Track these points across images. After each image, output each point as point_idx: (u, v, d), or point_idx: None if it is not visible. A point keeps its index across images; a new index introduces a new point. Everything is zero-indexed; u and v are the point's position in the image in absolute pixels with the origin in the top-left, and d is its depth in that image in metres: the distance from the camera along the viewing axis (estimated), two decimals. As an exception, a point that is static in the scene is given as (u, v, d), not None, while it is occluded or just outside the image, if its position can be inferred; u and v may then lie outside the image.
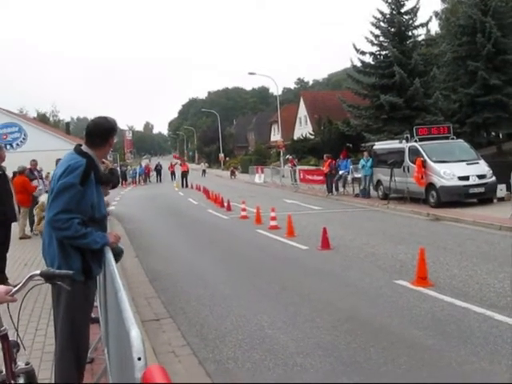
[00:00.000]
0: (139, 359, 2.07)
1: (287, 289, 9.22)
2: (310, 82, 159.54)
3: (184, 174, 45.52)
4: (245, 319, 7.58)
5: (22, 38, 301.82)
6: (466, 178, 19.10)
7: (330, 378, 5.54)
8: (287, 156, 45.86)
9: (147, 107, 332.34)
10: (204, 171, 62.54)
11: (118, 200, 31.63)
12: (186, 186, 44.07)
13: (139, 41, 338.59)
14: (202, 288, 9.60)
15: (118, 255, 5.74)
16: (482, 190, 19.16)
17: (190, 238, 16.42)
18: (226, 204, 23.51)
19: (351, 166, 26.96)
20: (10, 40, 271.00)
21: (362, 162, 24.74)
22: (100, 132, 4.49)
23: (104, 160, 5.03)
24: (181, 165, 49.81)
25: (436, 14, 46.97)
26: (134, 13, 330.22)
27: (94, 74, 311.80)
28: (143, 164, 71.84)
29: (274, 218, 16.70)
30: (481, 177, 19.32)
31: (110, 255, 4.11)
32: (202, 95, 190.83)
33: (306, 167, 38.27)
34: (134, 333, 2.17)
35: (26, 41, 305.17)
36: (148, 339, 6.71)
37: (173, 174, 56.28)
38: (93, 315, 5.80)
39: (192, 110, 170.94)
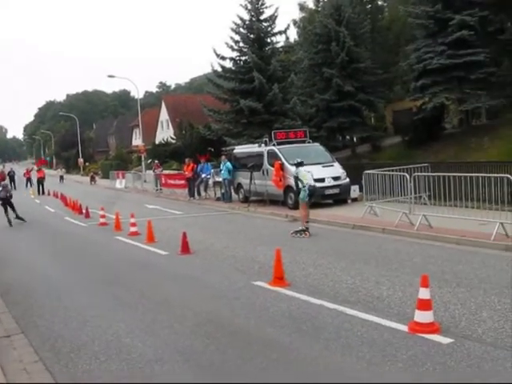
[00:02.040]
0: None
1: (146, 296, 9.05)
2: (173, 86, 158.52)
3: (40, 181, 43.74)
4: (101, 330, 7.33)
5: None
6: (322, 179, 19.79)
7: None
8: (149, 160, 45.17)
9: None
10: (62, 177, 59.94)
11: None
12: (43, 193, 42.24)
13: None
14: (56, 300, 9.17)
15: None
16: (337, 191, 20.05)
17: (45, 247, 15.66)
18: (84, 211, 22.73)
19: (212, 170, 27.08)
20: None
21: (221, 165, 24.94)
22: None
23: None
24: (37, 171, 47.62)
25: (294, 22, 48.41)
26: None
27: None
28: None
29: (133, 225, 16.38)
30: (336, 178, 20.20)
31: None
32: (61, 98, 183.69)
33: (167, 171, 37.96)
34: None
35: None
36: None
37: (28, 180, 53.47)
38: None
39: (49, 114, 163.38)
